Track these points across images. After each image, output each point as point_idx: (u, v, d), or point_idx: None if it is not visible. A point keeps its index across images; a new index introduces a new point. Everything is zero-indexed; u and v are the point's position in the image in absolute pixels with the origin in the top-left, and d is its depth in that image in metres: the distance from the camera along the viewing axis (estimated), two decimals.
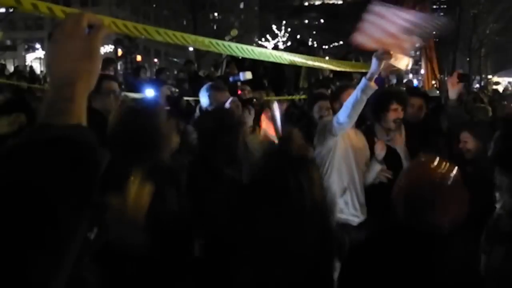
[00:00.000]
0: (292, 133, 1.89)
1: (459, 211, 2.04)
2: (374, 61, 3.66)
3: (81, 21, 1.09)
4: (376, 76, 3.67)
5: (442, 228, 2.00)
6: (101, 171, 0.94)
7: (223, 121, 2.96)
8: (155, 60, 45.01)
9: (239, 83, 5.61)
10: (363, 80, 3.66)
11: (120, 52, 12.98)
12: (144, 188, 1.93)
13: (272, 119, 3.39)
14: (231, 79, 6.32)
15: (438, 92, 10.96)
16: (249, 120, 4.09)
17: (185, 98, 6.56)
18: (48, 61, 1.08)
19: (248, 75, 5.59)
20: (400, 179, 2.22)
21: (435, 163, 2.14)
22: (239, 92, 5.05)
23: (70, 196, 0.85)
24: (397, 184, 2.22)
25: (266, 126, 3.76)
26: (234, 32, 11.50)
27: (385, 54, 3.62)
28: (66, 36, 1.07)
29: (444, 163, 2.13)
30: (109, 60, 9.31)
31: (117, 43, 12.39)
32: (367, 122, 4.41)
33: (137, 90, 7.38)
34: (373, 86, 3.64)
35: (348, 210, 3.97)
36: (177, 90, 6.52)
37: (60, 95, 1.00)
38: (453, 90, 4.57)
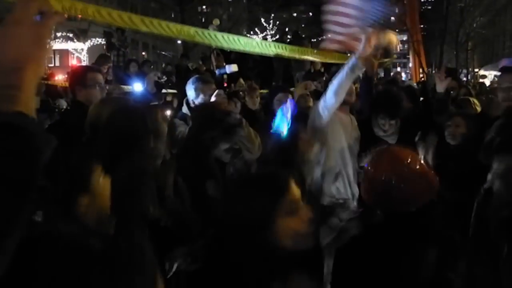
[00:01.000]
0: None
1: (423, 194, 2.12)
2: (362, 40, 3.59)
3: (29, 7, 1.08)
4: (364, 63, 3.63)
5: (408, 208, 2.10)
6: (45, 157, 0.96)
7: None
8: (143, 53, 44.72)
9: (225, 76, 5.59)
10: (353, 59, 3.57)
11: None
12: (107, 180, 1.90)
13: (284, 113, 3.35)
14: (217, 71, 6.29)
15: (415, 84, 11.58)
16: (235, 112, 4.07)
17: (170, 90, 6.50)
18: None
19: (234, 67, 5.55)
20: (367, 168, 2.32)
21: (396, 152, 2.30)
22: (225, 84, 5.03)
23: (10, 181, 0.87)
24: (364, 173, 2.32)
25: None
26: (216, 22, 11.43)
27: (373, 34, 3.62)
28: (13, 22, 1.06)
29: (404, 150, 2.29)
30: (105, 57, 9.18)
31: (107, 36, 12.24)
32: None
33: (125, 83, 7.35)
34: (362, 65, 3.59)
35: (340, 196, 3.95)
36: (164, 76, 6.49)
37: (6, 81, 1.01)
38: (441, 84, 4.65)
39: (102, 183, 1.89)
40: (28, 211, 0.91)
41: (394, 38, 3.89)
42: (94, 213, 1.81)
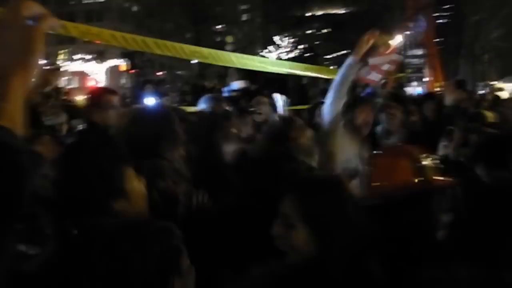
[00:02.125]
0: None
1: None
2: (360, 40, 3.90)
3: (19, 10, 0.97)
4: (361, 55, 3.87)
5: None
6: (31, 179, 0.84)
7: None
8: (160, 73, 45.13)
9: (233, 93, 5.65)
10: (350, 58, 3.83)
11: (125, 67, 12.87)
12: (141, 181, 1.83)
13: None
14: (225, 90, 6.35)
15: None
16: (248, 129, 4.13)
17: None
18: None
19: (241, 83, 5.61)
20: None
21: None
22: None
23: None
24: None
25: None
26: (229, 39, 11.62)
27: (371, 34, 3.91)
28: (1, 27, 0.96)
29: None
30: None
31: (130, 56, 12.30)
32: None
33: (142, 102, 7.48)
34: (358, 61, 3.85)
35: None
36: (177, 103, 6.57)
37: None
38: (450, 96, 4.68)
39: (137, 185, 1.80)
40: (10, 242, 0.79)
41: (389, 40, 4.09)
42: (131, 216, 1.71)
